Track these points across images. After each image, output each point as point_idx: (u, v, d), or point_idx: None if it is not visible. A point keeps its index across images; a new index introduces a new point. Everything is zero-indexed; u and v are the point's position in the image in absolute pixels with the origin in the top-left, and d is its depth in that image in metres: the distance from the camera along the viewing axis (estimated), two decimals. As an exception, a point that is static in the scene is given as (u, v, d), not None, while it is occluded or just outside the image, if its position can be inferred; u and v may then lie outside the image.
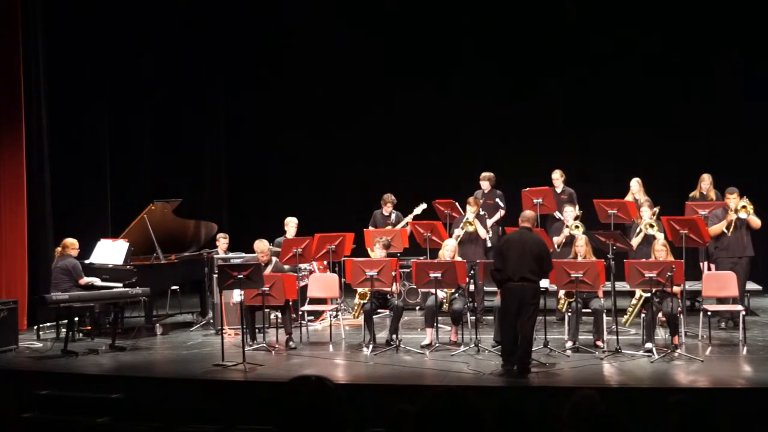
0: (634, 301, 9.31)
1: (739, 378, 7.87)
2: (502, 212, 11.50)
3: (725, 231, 9.92)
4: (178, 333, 10.67)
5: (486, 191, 11.53)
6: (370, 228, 11.45)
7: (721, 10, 12.84)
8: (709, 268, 10.45)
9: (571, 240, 9.97)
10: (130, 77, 13.44)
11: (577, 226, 10.19)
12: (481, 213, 10.78)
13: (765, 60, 12.70)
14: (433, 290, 9.30)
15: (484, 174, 11.59)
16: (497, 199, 11.52)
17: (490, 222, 11.06)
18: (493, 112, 13.68)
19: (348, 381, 7.97)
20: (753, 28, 12.81)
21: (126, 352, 9.38)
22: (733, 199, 9.95)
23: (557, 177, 11.51)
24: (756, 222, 9.97)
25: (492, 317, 9.77)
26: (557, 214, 11.12)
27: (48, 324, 10.34)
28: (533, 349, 8.51)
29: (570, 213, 10.69)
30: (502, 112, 13.66)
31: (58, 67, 11.84)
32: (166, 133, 14.23)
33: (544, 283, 8.76)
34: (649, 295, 8.69)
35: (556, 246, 10.56)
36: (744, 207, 9.89)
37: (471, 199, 10.82)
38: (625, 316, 9.41)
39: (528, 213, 8.72)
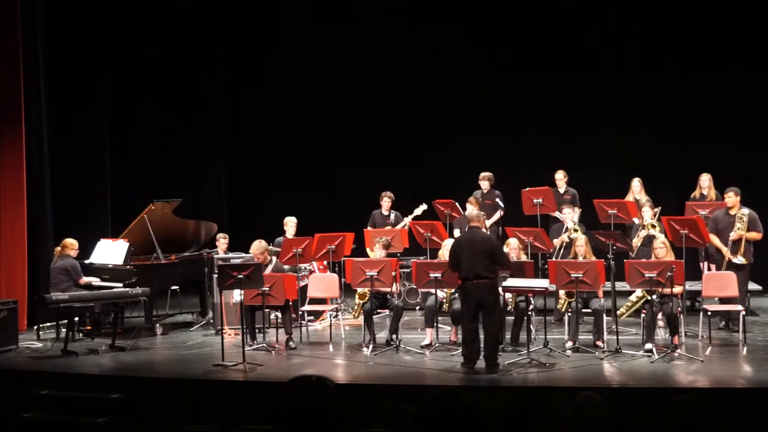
0: (634, 298, 9.32)
1: (739, 378, 7.87)
2: (501, 212, 11.51)
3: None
4: (178, 333, 10.66)
5: (485, 191, 11.53)
6: (370, 228, 11.45)
7: (721, 10, 12.84)
8: (709, 268, 10.45)
9: (571, 242, 9.95)
10: (130, 77, 13.43)
11: (576, 230, 10.15)
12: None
13: (766, 60, 12.71)
14: (433, 290, 9.30)
15: (484, 174, 11.60)
16: (497, 200, 11.53)
17: (488, 222, 11.07)
18: (492, 111, 13.68)
19: (348, 381, 7.97)
20: (754, 28, 12.82)
21: (126, 352, 9.37)
22: (728, 198, 9.91)
23: (560, 177, 11.49)
24: (754, 236, 9.82)
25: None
26: (558, 215, 11.10)
27: (48, 324, 10.32)
28: (533, 348, 8.55)
29: (569, 214, 10.63)
30: (502, 111, 13.66)
31: (58, 67, 11.83)
32: (166, 133, 14.22)
33: (544, 283, 8.78)
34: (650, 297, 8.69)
35: (556, 247, 10.55)
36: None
37: (472, 199, 10.84)
38: (622, 309, 9.42)
39: (473, 212, 8.82)
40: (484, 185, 11.56)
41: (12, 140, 11.07)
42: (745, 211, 9.81)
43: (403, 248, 11.07)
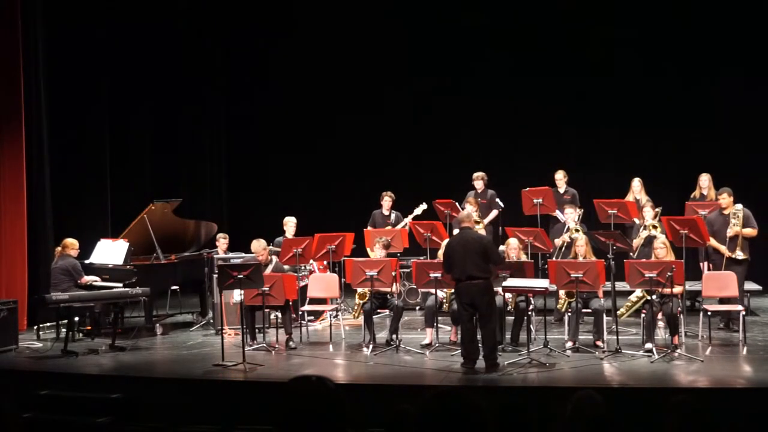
0: (634, 298, 9.32)
1: (739, 378, 7.86)
2: (495, 212, 11.51)
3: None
4: (178, 333, 10.66)
5: (480, 191, 11.54)
6: (370, 228, 11.44)
7: (722, 10, 12.84)
8: (708, 268, 10.44)
9: (572, 242, 9.95)
10: (130, 77, 13.44)
11: (577, 230, 10.15)
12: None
13: (765, 60, 12.71)
14: (433, 290, 9.30)
15: (477, 174, 11.61)
16: (496, 199, 11.53)
17: (485, 221, 11.09)
18: (493, 111, 13.68)
19: (348, 381, 7.96)
20: (754, 28, 12.82)
21: (126, 352, 9.37)
22: (722, 199, 9.91)
23: (560, 177, 11.48)
24: (749, 232, 9.85)
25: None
26: (559, 215, 11.09)
27: (48, 324, 10.32)
28: (533, 348, 8.54)
29: (571, 215, 10.62)
30: (502, 111, 13.66)
31: (58, 67, 11.83)
32: (166, 133, 14.23)
33: (544, 283, 8.78)
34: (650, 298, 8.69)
35: (556, 247, 10.55)
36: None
37: (470, 199, 10.84)
38: (622, 309, 9.42)
39: (463, 213, 8.80)
40: (478, 185, 11.57)
41: (12, 140, 11.07)
42: (739, 206, 9.85)
43: (403, 248, 11.07)
